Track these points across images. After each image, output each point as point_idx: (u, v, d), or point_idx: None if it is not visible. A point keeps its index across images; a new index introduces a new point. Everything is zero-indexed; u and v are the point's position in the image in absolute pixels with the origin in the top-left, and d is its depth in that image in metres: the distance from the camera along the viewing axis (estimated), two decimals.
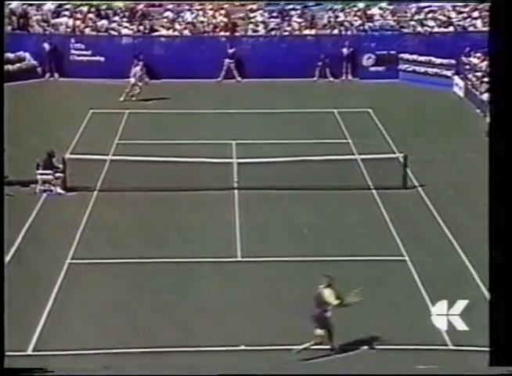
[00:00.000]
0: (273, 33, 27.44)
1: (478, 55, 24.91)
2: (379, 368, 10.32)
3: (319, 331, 10.71)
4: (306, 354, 10.73)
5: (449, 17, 27.35)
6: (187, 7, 28.33)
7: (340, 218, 15.49)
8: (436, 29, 27.10)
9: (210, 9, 28.29)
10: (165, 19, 27.91)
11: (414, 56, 26.00)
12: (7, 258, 12.71)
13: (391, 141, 20.08)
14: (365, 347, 10.99)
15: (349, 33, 27.22)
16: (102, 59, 26.43)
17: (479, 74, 24.10)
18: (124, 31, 27.38)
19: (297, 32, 27.41)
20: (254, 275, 13.27)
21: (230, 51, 26.32)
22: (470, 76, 24.54)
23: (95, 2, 27.92)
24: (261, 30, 27.55)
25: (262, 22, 27.74)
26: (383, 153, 18.26)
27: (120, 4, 27.92)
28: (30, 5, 27.41)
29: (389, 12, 27.91)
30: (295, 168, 17.00)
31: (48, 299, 12.27)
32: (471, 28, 27.04)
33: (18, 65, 25.61)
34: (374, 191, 16.78)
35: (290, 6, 28.41)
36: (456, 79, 25.24)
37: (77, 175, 16.84)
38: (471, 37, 26.16)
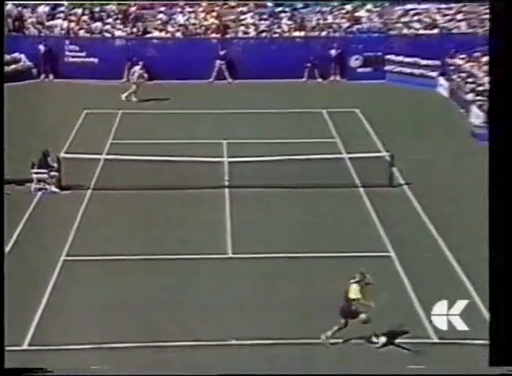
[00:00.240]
0: (263, 35, 27.81)
1: (462, 56, 25.33)
2: (377, 365, 10.54)
3: (342, 321, 11.15)
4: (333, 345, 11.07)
5: (434, 19, 27.74)
6: (179, 9, 28.80)
7: (329, 216, 15.77)
8: (421, 31, 27.49)
9: (202, 12, 28.73)
10: (158, 22, 28.29)
11: (400, 58, 26.36)
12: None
13: (377, 140, 20.44)
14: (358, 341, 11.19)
15: (337, 35, 27.61)
16: (96, 60, 26.82)
17: (463, 74, 24.53)
18: (118, 33, 27.77)
19: (286, 34, 27.78)
20: (244, 271, 13.51)
21: (221, 52, 26.72)
22: (454, 77, 24.92)
23: (95, 2, 28.32)
24: (252, 32, 27.91)
25: (253, 24, 28.10)
26: (370, 152, 18.58)
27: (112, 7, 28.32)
28: (25, 7, 27.83)
29: (376, 14, 28.32)
30: (284, 167, 17.28)
31: (43, 296, 12.43)
32: (456, 30, 27.41)
33: (13, 66, 25.94)
34: (361, 189, 17.11)
35: (280, 9, 28.92)
36: (441, 80, 25.61)
37: (72, 174, 17.07)
38: (456, 39, 26.58)
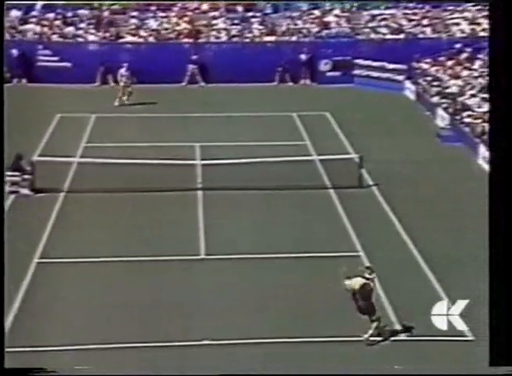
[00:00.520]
0: (235, 39, 28.13)
1: (428, 60, 25.94)
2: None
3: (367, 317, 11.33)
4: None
5: (401, 25, 28.30)
6: (151, 14, 29.08)
7: (300, 217, 16.07)
8: (388, 36, 28.01)
9: (174, 17, 29.00)
10: (130, 27, 28.52)
11: (368, 62, 26.79)
12: None
13: (347, 142, 20.85)
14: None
15: (307, 40, 28.03)
16: (69, 64, 26.94)
17: (429, 78, 25.20)
18: (91, 38, 27.92)
19: (257, 39, 28.14)
20: (217, 272, 13.69)
21: (194, 57, 26.98)
22: (420, 80, 25.50)
23: (96, 2, 28.30)
24: (224, 36, 28.21)
25: (224, 29, 28.41)
26: (339, 153, 18.99)
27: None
28: None
29: (344, 19, 28.81)
30: (256, 169, 17.53)
31: (15, 298, 12.39)
32: (421, 35, 27.99)
33: None
34: (331, 190, 17.45)
35: (251, 14, 29.35)
36: (408, 83, 26.15)
37: (45, 177, 17.13)
38: (421, 43, 27.19)
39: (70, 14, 28.62)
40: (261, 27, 28.59)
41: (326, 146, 20.22)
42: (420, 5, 29.12)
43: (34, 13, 28.46)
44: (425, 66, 25.91)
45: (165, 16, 28.95)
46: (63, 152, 19.02)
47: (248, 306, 12.52)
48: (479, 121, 20.77)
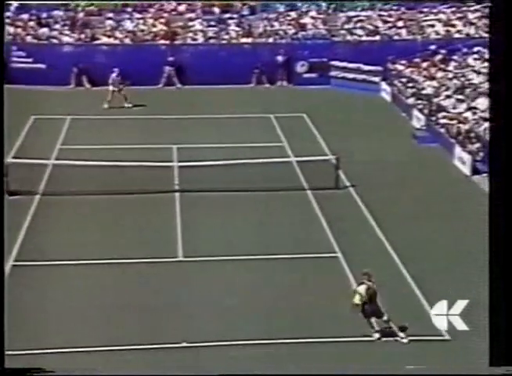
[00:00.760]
0: (212, 41, 28.16)
1: (403, 62, 26.16)
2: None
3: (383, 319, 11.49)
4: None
5: (376, 26, 28.51)
6: (127, 16, 28.94)
7: (277, 218, 16.14)
8: (364, 38, 28.22)
9: (151, 18, 28.93)
10: (106, 28, 28.38)
11: (344, 64, 26.95)
12: None
13: (324, 144, 20.95)
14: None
15: (284, 41, 28.14)
16: (43, 66, 26.76)
17: (404, 79, 25.42)
18: (66, 39, 27.74)
19: (234, 40, 28.18)
20: (195, 274, 13.73)
21: (170, 59, 26.96)
22: (395, 82, 25.74)
23: (96, 2, 28.14)
24: (200, 38, 28.19)
25: (201, 30, 28.40)
26: (316, 155, 19.10)
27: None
28: None
29: (321, 21, 28.93)
30: (234, 171, 17.61)
31: None
32: (396, 37, 28.22)
33: None
34: (309, 191, 17.55)
35: (228, 15, 29.36)
36: (383, 85, 26.36)
37: (20, 180, 16.99)
38: (396, 45, 27.43)
39: (44, 15, 28.37)
40: (237, 29, 28.63)
41: (304, 147, 20.29)
42: (396, 7, 29.33)
43: (7, 14, 28.11)
44: (400, 67, 26.13)
45: (141, 18, 28.86)
46: (37, 154, 18.85)
47: (227, 308, 12.53)
48: (454, 121, 20.98)
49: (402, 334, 11.61)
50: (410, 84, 24.80)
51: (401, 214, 16.44)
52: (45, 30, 27.84)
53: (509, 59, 9.14)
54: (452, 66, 25.19)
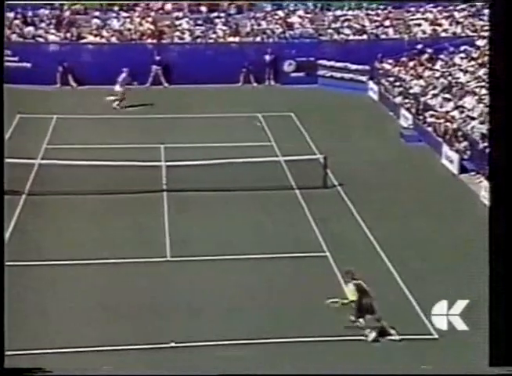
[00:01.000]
0: (199, 40, 28.07)
1: (390, 61, 26.25)
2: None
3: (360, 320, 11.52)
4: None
5: (363, 25, 28.58)
6: (114, 14, 28.80)
7: (265, 218, 16.16)
8: (351, 37, 28.28)
9: (137, 17, 28.82)
10: (92, 27, 28.24)
11: (331, 63, 26.99)
12: None
13: (311, 143, 20.97)
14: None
15: (271, 40, 28.15)
16: (28, 65, 26.55)
17: (391, 78, 25.50)
18: (51, 38, 27.56)
19: (221, 39, 28.13)
20: (182, 274, 13.72)
21: (157, 58, 26.84)
22: (383, 81, 25.78)
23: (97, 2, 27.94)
24: (187, 37, 28.12)
25: (188, 29, 28.34)
26: (304, 154, 19.10)
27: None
28: None
29: (308, 20, 28.97)
30: (221, 170, 17.60)
31: None
32: (383, 36, 28.31)
33: None
34: (297, 191, 17.57)
35: (215, 14, 29.30)
36: (371, 84, 26.42)
37: (5, 179, 17.08)
38: (383, 44, 27.51)
39: (30, 13, 28.16)
40: (224, 28, 28.60)
41: (291, 146, 20.29)
42: (382, 6, 29.40)
43: None
44: (387, 66, 26.21)
45: (128, 17, 28.73)
46: (23, 154, 18.67)
47: (214, 307, 12.53)
48: (442, 120, 21.06)
49: (393, 332, 11.62)
50: (397, 83, 24.87)
51: (389, 212, 16.48)
52: (30, 28, 27.65)
53: (509, 58, 9.17)
54: (438, 65, 25.29)
